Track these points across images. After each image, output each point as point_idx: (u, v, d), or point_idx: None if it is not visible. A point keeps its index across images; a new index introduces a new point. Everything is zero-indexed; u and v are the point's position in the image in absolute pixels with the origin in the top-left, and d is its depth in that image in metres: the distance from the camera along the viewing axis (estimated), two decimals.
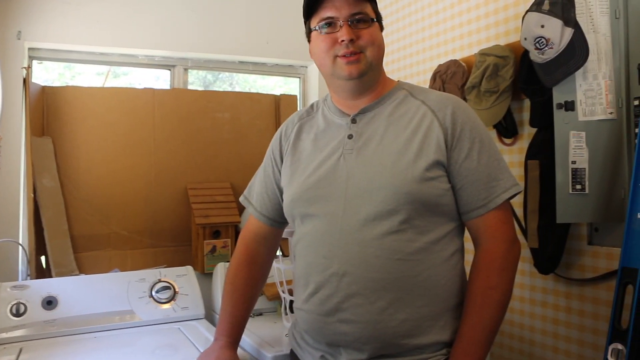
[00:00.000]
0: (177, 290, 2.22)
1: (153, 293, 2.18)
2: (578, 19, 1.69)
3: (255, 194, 1.66)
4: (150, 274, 2.25)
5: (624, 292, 1.52)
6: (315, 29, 1.40)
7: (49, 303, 2.02)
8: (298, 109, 3.11)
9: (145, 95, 2.71)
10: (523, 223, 1.97)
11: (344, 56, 1.37)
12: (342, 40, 1.35)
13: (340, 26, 1.36)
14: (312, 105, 1.61)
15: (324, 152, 1.45)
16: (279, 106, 3.06)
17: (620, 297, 1.52)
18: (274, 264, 1.80)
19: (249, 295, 1.63)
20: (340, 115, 1.48)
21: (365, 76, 1.40)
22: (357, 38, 1.36)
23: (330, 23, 1.37)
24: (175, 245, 2.72)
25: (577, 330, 1.89)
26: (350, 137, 1.43)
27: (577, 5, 1.70)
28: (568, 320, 1.92)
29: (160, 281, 2.22)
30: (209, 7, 2.82)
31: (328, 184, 1.40)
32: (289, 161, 1.54)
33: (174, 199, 2.73)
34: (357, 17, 1.37)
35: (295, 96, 3.17)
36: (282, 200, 1.55)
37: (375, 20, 1.42)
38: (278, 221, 1.63)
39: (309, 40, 1.46)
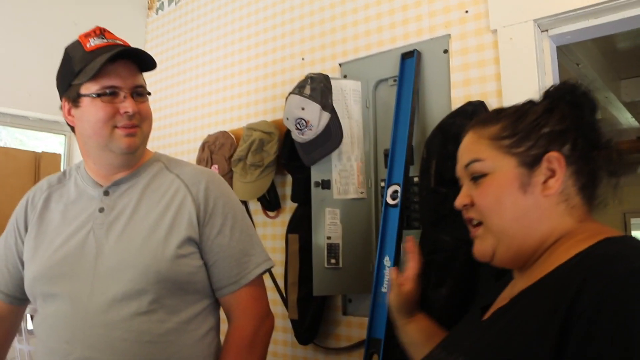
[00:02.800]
0: None
1: None
2: (335, 105, 1.83)
3: None
4: None
5: None
6: (92, 96, 1.29)
7: None
8: (61, 168, 2.90)
9: None
10: (284, 294, 2.02)
11: (124, 127, 1.30)
12: (126, 112, 1.28)
13: (124, 97, 1.29)
14: (64, 172, 1.49)
15: (73, 226, 1.35)
16: (39, 164, 2.81)
17: None
18: (17, 345, 1.59)
19: None
20: (93, 185, 1.39)
21: (138, 151, 1.35)
22: (137, 111, 1.31)
23: (113, 92, 1.29)
24: None
25: None
26: (101, 210, 1.35)
27: (334, 92, 1.84)
28: None
29: None
30: None
31: (75, 261, 1.29)
32: (33, 233, 1.39)
33: None
34: (138, 89, 1.33)
35: (59, 155, 2.95)
36: (24, 275, 1.39)
37: (149, 94, 1.38)
38: (19, 298, 1.46)
39: (75, 105, 1.32)
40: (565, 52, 2.83)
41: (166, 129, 2.79)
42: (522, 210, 0.93)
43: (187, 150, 2.65)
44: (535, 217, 0.93)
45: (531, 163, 0.93)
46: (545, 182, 0.93)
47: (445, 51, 1.78)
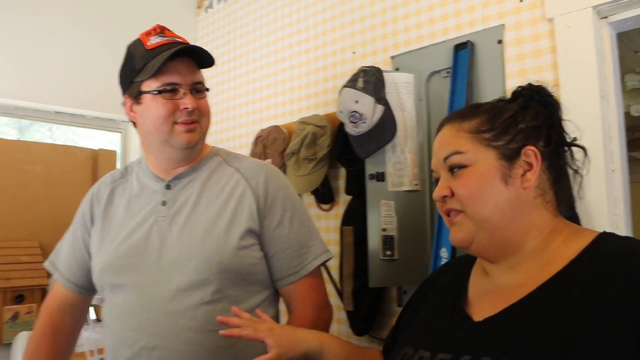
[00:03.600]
0: None
1: None
2: (388, 98, 1.84)
3: (62, 259, 1.54)
4: None
5: None
6: (153, 92, 1.33)
7: None
8: (117, 166, 2.98)
9: None
10: (339, 286, 2.04)
11: (184, 123, 1.34)
12: (185, 108, 1.32)
13: (184, 94, 1.33)
14: (126, 168, 1.55)
15: (137, 219, 1.40)
16: (97, 161, 2.90)
17: None
18: (84, 333, 1.66)
19: None
20: (155, 180, 1.44)
21: (197, 146, 1.39)
22: (196, 107, 1.35)
23: (173, 89, 1.33)
24: None
25: None
26: (164, 203, 1.39)
27: (387, 85, 1.85)
28: None
29: None
30: (22, 51, 2.63)
31: (139, 253, 1.34)
32: (99, 226, 1.45)
33: None
34: (197, 86, 1.36)
35: (115, 152, 3.03)
36: (92, 266, 1.46)
37: (207, 90, 1.42)
38: (87, 288, 1.52)
39: (137, 102, 1.37)
40: (623, 38, 2.76)
41: (219, 124, 2.84)
42: (505, 201, 0.96)
43: (239, 145, 2.70)
44: (517, 209, 0.96)
45: (510, 156, 0.97)
46: (523, 174, 0.97)
47: (500, 41, 1.77)
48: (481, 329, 0.93)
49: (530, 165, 0.97)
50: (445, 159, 1.02)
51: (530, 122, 0.99)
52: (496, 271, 1.01)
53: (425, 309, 1.12)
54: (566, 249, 0.92)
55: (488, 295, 0.99)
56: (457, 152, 1.00)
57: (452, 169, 1.01)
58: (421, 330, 1.07)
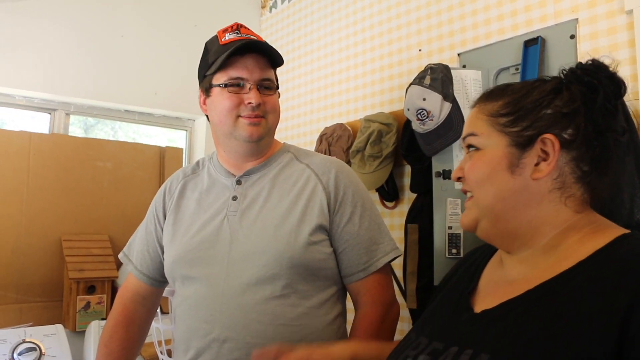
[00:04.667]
0: (43, 351, 2.05)
1: (15, 356, 1.99)
2: (455, 95, 1.82)
3: (135, 251, 1.59)
4: (13, 334, 2.06)
5: None
6: (220, 86, 1.38)
7: None
8: (183, 163, 3.06)
9: (20, 138, 2.55)
10: (403, 284, 2.03)
11: (248, 117, 1.36)
12: (250, 103, 1.35)
13: (250, 89, 1.36)
14: (197, 163, 1.59)
15: (208, 213, 1.43)
16: (164, 158, 2.98)
17: None
18: (153, 324, 1.71)
19: (125, 359, 1.54)
20: (226, 175, 1.47)
21: (262, 141, 1.41)
22: (262, 103, 1.37)
23: (240, 84, 1.37)
24: (44, 300, 2.53)
25: None
26: (234, 198, 1.42)
27: (454, 82, 1.83)
28: None
29: (24, 342, 2.04)
30: (96, 52, 2.74)
31: (211, 246, 1.37)
32: (171, 219, 1.49)
33: (46, 250, 2.55)
34: (265, 82, 1.39)
35: (181, 149, 3.11)
36: (164, 259, 1.50)
37: (277, 88, 1.45)
38: (159, 280, 1.57)
39: (208, 95, 1.42)
40: None
41: (282, 122, 2.87)
42: (508, 191, 0.91)
43: (304, 143, 2.73)
44: (522, 200, 0.91)
45: (523, 144, 0.91)
46: (537, 164, 0.90)
47: (572, 36, 1.73)
48: (477, 321, 0.91)
49: (546, 154, 0.90)
50: (464, 138, 1.00)
51: (560, 107, 0.91)
52: (509, 263, 0.97)
53: (439, 297, 1.10)
54: (580, 248, 0.86)
55: (495, 287, 0.97)
56: (472, 134, 0.98)
57: (469, 150, 0.99)
58: (427, 317, 1.06)
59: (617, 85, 0.92)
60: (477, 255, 1.12)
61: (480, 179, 0.95)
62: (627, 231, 0.86)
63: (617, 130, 0.91)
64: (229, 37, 1.40)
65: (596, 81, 0.91)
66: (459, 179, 1.01)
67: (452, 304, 1.02)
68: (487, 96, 1.00)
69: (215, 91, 1.39)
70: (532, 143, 0.91)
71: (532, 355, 0.77)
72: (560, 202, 0.90)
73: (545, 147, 0.90)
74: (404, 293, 2.02)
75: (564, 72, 0.96)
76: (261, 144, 1.42)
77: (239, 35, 1.40)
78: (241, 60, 1.37)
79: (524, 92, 0.95)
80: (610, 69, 0.92)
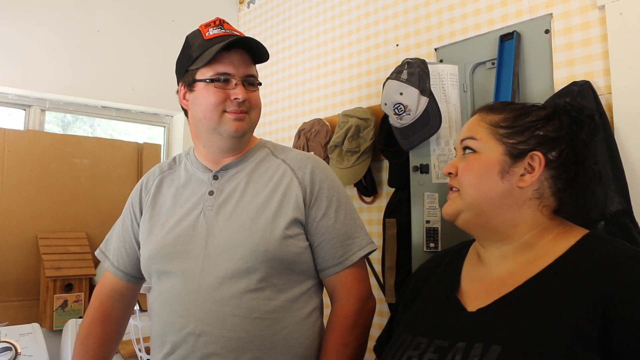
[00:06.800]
0: (19, 351, 2.03)
1: None
2: (432, 89, 1.83)
3: (112, 247, 1.58)
4: None
5: None
6: (206, 81, 1.37)
7: None
8: (161, 159, 3.03)
9: None
10: (381, 279, 2.04)
11: (234, 112, 1.37)
12: (236, 99, 1.36)
13: (236, 84, 1.37)
14: (174, 159, 1.58)
15: (184, 208, 1.43)
16: (142, 155, 2.96)
17: None
18: (131, 321, 1.70)
19: (102, 357, 1.52)
20: (203, 170, 1.47)
21: (245, 136, 1.42)
22: (247, 99, 1.38)
23: (226, 79, 1.37)
24: (20, 299, 2.49)
25: None
26: (211, 193, 1.42)
27: (431, 77, 1.84)
28: None
29: None
30: (72, 48, 2.70)
31: (187, 241, 1.37)
32: (148, 215, 1.49)
33: (22, 248, 2.51)
34: (249, 79, 1.40)
35: (159, 145, 3.09)
36: (140, 255, 1.49)
37: (260, 84, 1.45)
38: (136, 277, 1.56)
39: (190, 89, 1.41)
40: None
41: (261, 118, 2.86)
42: (497, 192, 1.06)
43: (282, 138, 2.72)
44: (506, 202, 1.07)
45: (516, 155, 1.07)
46: (522, 175, 1.06)
47: (547, 31, 1.74)
48: (475, 319, 1.01)
49: (532, 168, 1.06)
50: (462, 140, 1.14)
51: (550, 132, 1.07)
52: (490, 260, 1.11)
53: (420, 300, 1.19)
54: (555, 246, 1.02)
55: (483, 284, 1.09)
56: (472, 138, 1.12)
57: (465, 151, 1.13)
58: (418, 319, 1.14)
59: (595, 125, 1.13)
60: (448, 259, 1.25)
61: (474, 177, 1.09)
62: (588, 231, 1.05)
63: (590, 162, 1.10)
64: (212, 32, 1.40)
65: (582, 117, 1.10)
66: (449, 174, 1.15)
67: (441, 304, 1.12)
68: (490, 109, 1.15)
69: (200, 86, 1.39)
70: (523, 156, 1.07)
71: (538, 341, 0.90)
72: (537, 209, 1.07)
73: (533, 162, 1.06)
74: (382, 288, 2.03)
75: (556, 104, 1.13)
76: (243, 139, 1.43)
77: (223, 30, 1.40)
78: (227, 56, 1.37)
79: (523, 112, 1.11)
80: (588, 112, 1.12)
